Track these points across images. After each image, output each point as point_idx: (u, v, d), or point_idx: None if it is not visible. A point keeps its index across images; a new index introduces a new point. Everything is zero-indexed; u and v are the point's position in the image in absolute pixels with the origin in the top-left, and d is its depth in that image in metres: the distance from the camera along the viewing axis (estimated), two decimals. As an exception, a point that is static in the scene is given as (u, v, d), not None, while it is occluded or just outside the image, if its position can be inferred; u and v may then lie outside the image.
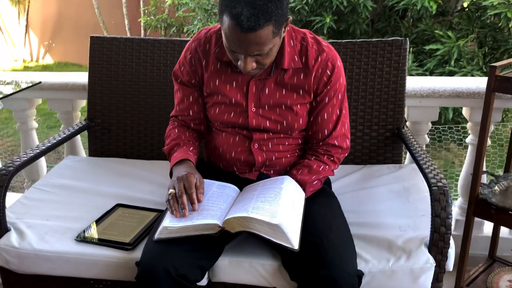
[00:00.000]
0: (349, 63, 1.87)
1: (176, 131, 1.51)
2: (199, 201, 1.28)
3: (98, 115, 1.99)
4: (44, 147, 1.69)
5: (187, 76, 1.47)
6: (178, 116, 1.54)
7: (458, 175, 2.23)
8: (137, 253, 1.32)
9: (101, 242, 1.37)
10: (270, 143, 1.45)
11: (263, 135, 1.44)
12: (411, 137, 1.76)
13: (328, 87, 1.40)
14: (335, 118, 1.44)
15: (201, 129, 1.54)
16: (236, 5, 1.17)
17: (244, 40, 1.20)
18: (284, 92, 1.40)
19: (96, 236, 1.40)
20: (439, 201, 1.26)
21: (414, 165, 1.78)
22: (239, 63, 1.28)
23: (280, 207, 1.22)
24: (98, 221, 1.48)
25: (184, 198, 1.25)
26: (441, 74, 5.24)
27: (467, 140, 2.11)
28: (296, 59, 1.38)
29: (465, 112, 2.09)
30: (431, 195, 1.29)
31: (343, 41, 1.88)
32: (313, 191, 1.43)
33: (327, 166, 1.45)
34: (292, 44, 1.38)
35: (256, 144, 1.45)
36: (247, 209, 1.20)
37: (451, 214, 1.26)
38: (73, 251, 1.35)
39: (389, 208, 1.56)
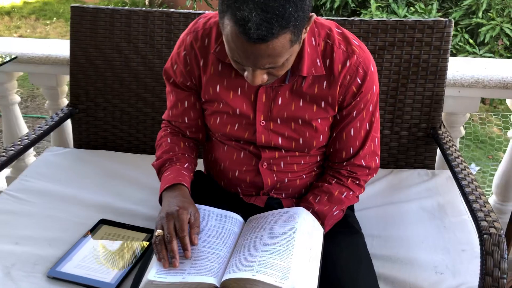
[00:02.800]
0: (379, 47, 1.55)
1: (169, 140, 1.24)
2: (193, 244, 1.03)
3: (82, 100, 1.71)
4: (21, 146, 1.43)
5: (181, 77, 1.18)
6: (171, 121, 1.27)
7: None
8: (120, 297, 1.11)
9: (78, 281, 1.15)
10: (282, 163, 1.19)
11: (273, 153, 1.17)
12: (449, 142, 1.48)
13: (358, 98, 1.11)
14: (363, 134, 1.17)
15: (199, 137, 1.27)
16: (242, 6, 0.86)
17: (252, 52, 0.91)
18: (301, 104, 1.12)
19: (71, 272, 1.17)
20: (492, 255, 1.01)
21: (449, 173, 1.52)
22: (245, 74, 0.99)
23: (294, 260, 0.98)
24: (76, 247, 1.25)
25: (174, 244, 1.00)
26: (468, 26, 4.83)
27: (509, 133, 1.83)
28: (318, 63, 1.08)
29: (510, 103, 1.79)
30: (481, 244, 1.03)
31: (373, 19, 1.55)
32: (334, 223, 1.18)
33: (351, 193, 1.19)
34: (314, 43, 1.08)
35: (265, 164, 1.18)
36: (252, 266, 0.96)
37: (506, 273, 1.01)
38: (44, 294, 1.13)
39: (421, 235, 1.31)
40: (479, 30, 4.72)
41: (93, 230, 1.32)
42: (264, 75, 0.98)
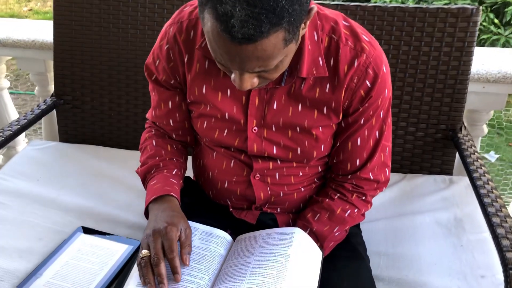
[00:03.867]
0: (395, 37, 1.38)
1: (154, 143, 1.10)
2: (185, 265, 0.90)
3: (68, 91, 1.57)
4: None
5: (164, 75, 1.03)
6: (155, 122, 1.13)
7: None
8: (91, 323, 0.99)
9: (45, 303, 1.03)
10: (277, 174, 1.04)
11: (267, 163, 1.03)
12: (470, 148, 1.31)
13: (366, 104, 0.95)
14: (372, 143, 1.01)
15: (187, 140, 1.13)
16: None
17: (237, 54, 0.75)
18: (300, 109, 0.96)
19: (39, 291, 1.05)
20: (519, 296, 0.86)
21: (468, 180, 1.36)
22: (232, 77, 0.84)
23: (284, 295, 0.84)
24: (49, 260, 1.13)
25: (162, 266, 0.86)
26: (493, 4, 4.56)
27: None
28: (321, 62, 0.92)
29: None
30: (506, 281, 0.88)
31: (389, 5, 1.37)
32: (335, 245, 1.04)
33: (355, 210, 1.04)
34: (316, 38, 0.92)
35: (258, 175, 1.04)
36: (235, 302, 0.83)
37: (535, 316, 0.86)
38: (7, 317, 1.02)
39: (434, 255, 1.16)
40: (506, 10, 4.45)
41: (69, 240, 1.20)
42: (254, 79, 0.83)
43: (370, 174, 1.03)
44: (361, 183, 1.04)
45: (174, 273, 0.87)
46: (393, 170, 1.46)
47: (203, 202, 1.13)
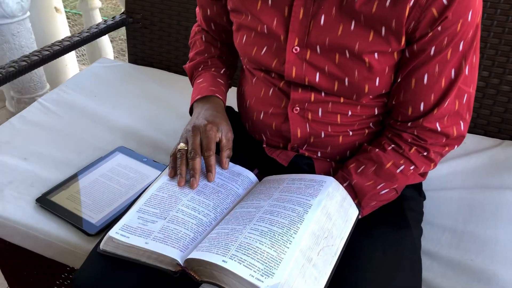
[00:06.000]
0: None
1: (203, 38, 1.04)
2: (224, 168, 0.86)
3: (138, 9, 1.50)
4: (48, 52, 1.29)
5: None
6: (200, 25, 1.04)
7: None
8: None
9: (61, 215, 0.99)
10: (320, 110, 0.86)
11: (308, 94, 0.85)
12: None
13: (439, 28, 0.72)
14: (444, 84, 0.78)
15: (231, 42, 1.01)
16: None
17: None
18: (352, 28, 0.76)
19: (60, 203, 1.02)
20: None
21: None
22: None
23: (291, 250, 0.68)
24: (80, 174, 1.09)
25: (197, 162, 0.81)
26: None
27: None
28: (382, -33, 0.70)
29: None
30: None
31: None
32: (378, 206, 0.84)
33: (411, 167, 0.82)
34: None
35: (297, 108, 0.87)
36: (228, 248, 0.69)
37: None
38: (25, 223, 0.99)
39: (517, 241, 0.91)
40: None
41: (105, 158, 1.15)
42: None
43: (437, 124, 0.80)
44: (424, 135, 0.82)
45: (207, 171, 0.83)
46: (487, 132, 1.19)
47: (239, 135, 0.99)
